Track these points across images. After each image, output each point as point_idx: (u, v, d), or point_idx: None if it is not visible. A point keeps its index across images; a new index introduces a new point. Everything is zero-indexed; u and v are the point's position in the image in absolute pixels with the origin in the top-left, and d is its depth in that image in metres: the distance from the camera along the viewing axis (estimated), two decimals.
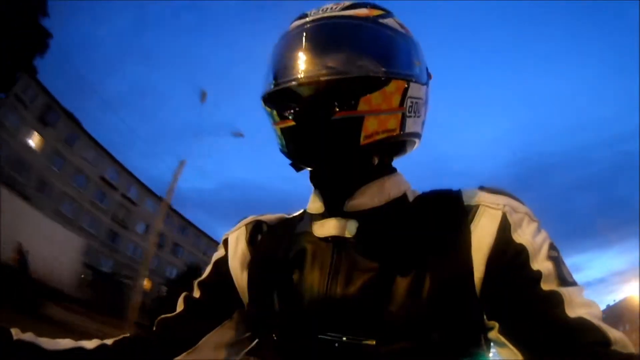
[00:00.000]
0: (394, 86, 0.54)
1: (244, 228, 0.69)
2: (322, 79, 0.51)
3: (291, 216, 0.69)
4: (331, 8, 0.58)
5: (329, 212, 0.59)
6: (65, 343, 0.58)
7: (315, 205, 0.62)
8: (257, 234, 0.67)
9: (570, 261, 0.50)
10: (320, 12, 0.58)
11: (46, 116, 20.39)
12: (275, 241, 0.64)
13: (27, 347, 0.54)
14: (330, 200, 0.60)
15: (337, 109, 0.51)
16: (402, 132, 0.57)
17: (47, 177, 20.76)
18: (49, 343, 0.56)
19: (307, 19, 0.58)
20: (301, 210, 0.68)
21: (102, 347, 0.60)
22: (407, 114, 0.57)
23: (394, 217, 0.57)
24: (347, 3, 0.59)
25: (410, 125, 0.58)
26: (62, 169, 21.77)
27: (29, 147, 19.74)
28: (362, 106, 0.52)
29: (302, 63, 0.54)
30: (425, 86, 0.61)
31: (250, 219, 0.70)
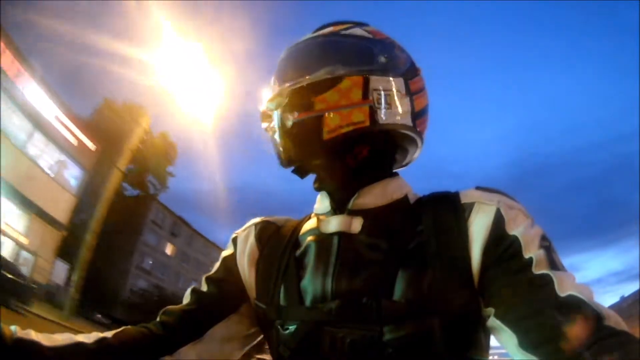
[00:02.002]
0: (348, 82, 0.58)
1: (253, 227, 0.71)
2: (282, 90, 0.60)
3: (299, 219, 0.72)
4: (305, 35, 0.66)
5: (335, 210, 0.62)
6: (65, 339, 0.57)
7: (321, 205, 0.66)
8: (266, 233, 0.70)
9: (568, 261, 0.68)
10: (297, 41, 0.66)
11: (174, 230, 28.90)
12: (283, 239, 0.67)
13: (27, 345, 0.54)
14: (336, 199, 0.63)
15: (297, 112, 0.58)
16: (373, 124, 0.59)
17: (180, 272, 29.10)
18: (48, 340, 0.56)
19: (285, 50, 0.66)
20: (308, 214, 0.71)
21: (103, 340, 0.60)
22: (376, 106, 0.59)
23: (396, 215, 0.60)
24: (319, 26, 0.66)
25: (386, 117, 0.60)
26: (189, 263, 30.16)
27: (166, 255, 28.26)
28: (319, 105, 0.58)
29: (274, 83, 0.64)
30: (400, 78, 0.62)
31: (259, 219, 0.73)
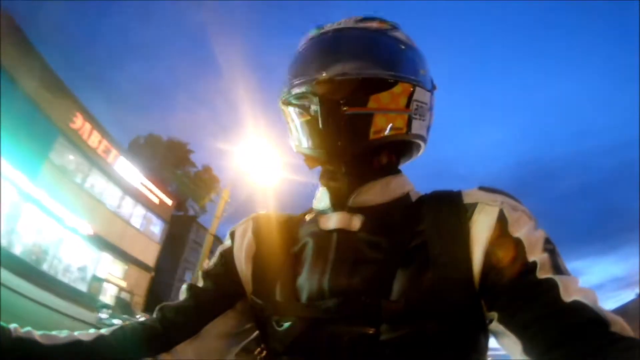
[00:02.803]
0: (400, 88, 0.59)
1: (251, 221, 0.70)
2: (336, 78, 0.57)
3: (298, 214, 0.71)
4: (345, 22, 0.64)
5: (335, 207, 0.61)
6: (63, 337, 0.57)
7: (321, 202, 0.65)
8: (264, 227, 0.69)
9: (569, 267, 0.50)
10: (335, 25, 0.65)
11: (212, 247, 31.87)
12: (281, 234, 0.66)
13: (26, 344, 0.54)
14: (337, 196, 0.61)
15: (350, 106, 0.56)
16: (408, 133, 0.61)
17: None
18: (47, 338, 0.56)
19: (324, 30, 0.64)
20: (307, 209, 0.69)
21: (101, 337, 0.59)
22: (413, 116, 0.61)
23: (397, 213, 0.59)
24: (360, 17, 0.65)
25: (416, 127, 0.62)
26: None
27: None
28: (372, 104, 0.57)
29: (319, 66, 0.60)
30: (429, 93, 0.65)
31: (258, 213, 0.72)
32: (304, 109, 0.60)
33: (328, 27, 0.65)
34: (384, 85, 0.58)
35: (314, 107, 0.58)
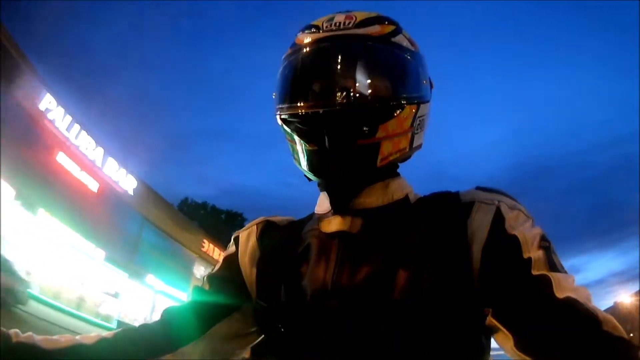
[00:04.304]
0: (407, 111, 0.59)
1: (254, 227, 0.71)
2: (345, 110, 0.56)
3: (300, 219, 0.71)
4: (343, 23, 0.60)
5: (336, 211, 0.62)
6: (65, 341, 0.57)
7: (322, 206, 0.66)
8: (267, 232, 0.69)
9: (568, 263, 0.76)
10: (333, 26, 0.60)
11: None
12: (284, 239, 0.66)
13: (26, 348, 0.54)
14: (337, 200, 0.62)
15: (358, 138, 0.56)
16: (411, 149, 0.62)
17: None
18: (48, 342, 0.56)
19: (321, 35, 0.60)
20: (310, 214, 0.70)
21: (103, 340, 0.60)
22: (415, 132, 0.62)
23: (396, 215, 0.59)
24: (359, 17, 0.61)
25: (417, 140, 0.63)
26: None
27: None
28: (380, 133, 0.57)
29: (323, 89, 0.57)
30: (429, 102, 0.64)
31: (261, 219, 0.72)
32: (308, 136, 0.59)
33: (325, 27, 0.61)
34: (392, 111, 0.58)
35: (320, 137, 0.57)
